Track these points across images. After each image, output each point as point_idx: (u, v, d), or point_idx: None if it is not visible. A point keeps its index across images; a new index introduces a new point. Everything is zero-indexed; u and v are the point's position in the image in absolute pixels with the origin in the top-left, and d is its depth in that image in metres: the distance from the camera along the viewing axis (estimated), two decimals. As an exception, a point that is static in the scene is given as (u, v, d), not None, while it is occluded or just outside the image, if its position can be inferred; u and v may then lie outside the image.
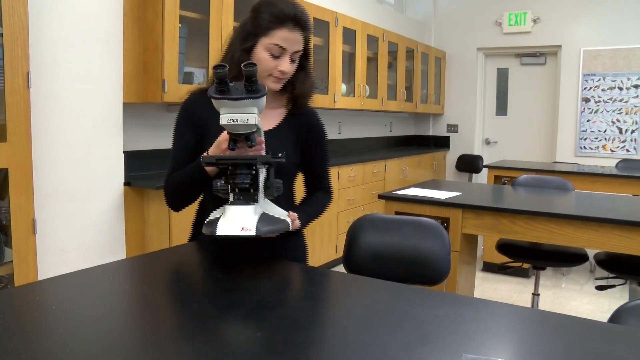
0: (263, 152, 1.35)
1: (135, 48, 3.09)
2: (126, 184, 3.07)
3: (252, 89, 1.22)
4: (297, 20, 1.44)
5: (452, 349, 0.90)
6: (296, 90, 1.56)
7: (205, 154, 1.38)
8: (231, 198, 1.29)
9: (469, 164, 6.77)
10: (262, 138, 1.35)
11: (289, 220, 1.40)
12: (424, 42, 6.64)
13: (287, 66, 1.46)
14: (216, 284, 1.26)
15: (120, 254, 3.03)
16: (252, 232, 1.23)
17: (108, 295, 1.17)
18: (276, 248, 1.52)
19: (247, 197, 1.29)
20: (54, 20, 2.64)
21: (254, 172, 1.28)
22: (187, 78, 3.35)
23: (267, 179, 1.34)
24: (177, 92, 3.15)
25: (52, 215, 2.68)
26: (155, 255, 1.58)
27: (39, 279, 2.43)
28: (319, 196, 1.67)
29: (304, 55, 1.53)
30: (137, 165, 3.30)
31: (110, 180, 2.99)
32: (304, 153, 1.60)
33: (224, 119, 1.23)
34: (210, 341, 0.91)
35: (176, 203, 1.55)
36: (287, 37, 1.43)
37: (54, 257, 2.68)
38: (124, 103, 3.03)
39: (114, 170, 3.01)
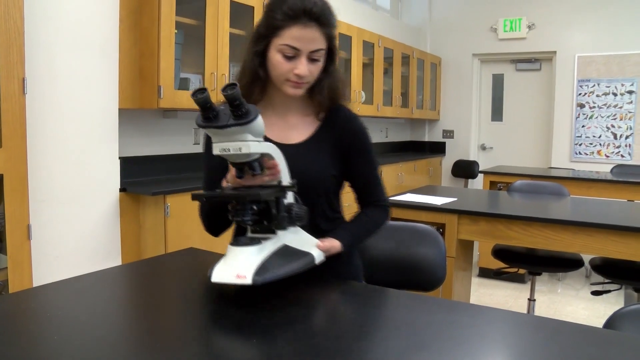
0: (282, 176, 1.20)
1: (131, 54, 3.09)
2: (122, 190, 3.07)
3: (238, 113, 1.06)
4: (311, 14, 1.26)
5: (449, 355, 0.90)
6: (316, 96, 1.38)
7: (223, 180, 1.25)
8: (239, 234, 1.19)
9: (464, 169, 6.78)
10: (276, 161, 1.18)
11: (315, 252, 1.25)
12: (419, 48, 6.67)
13: (303, 68, 1.28)
14: (212, 291, 1.26)
15: (115, 261, 3.02)
16: (247, 281, 1.06)
17: (103, 302, 1.16)
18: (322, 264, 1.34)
19: (263, 229, 1.17)
20: (50, 26, 2.63)
21: (260, 204, 1.15)
22: (183, 84, 3.35)
23: (276, 210, 1.17)
24: (173, 98, 3.15)
25: (48, 221, 2.67)
26: (151, 262, 1.58)
27: (34, 285, 2.42)
28: (369, 213, 1.46)
29: (329, 55, 1.35)
30: (133, 171, 3.30)
31: (106, 186, 2.98)
32: (346, 164, 1.42)
33: (216, 149, 1.11)
34: (207, 349, 0.91)
35: (209, 229, 1.45)
36: (299, 36, 1.26)
37: (49, 263, 2.67)
38: (119, 109, 3.03)
39: (110, 176, 3.00)
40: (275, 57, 1.30)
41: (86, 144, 2.86)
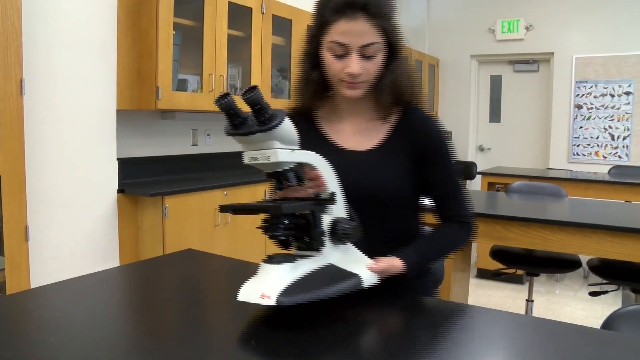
0: (331, 188, 1.09)
1: (129, 55, 3.08)
2: (120, 191, 3.06)
3: (261, 119, 0.98)
4: (356, 5, 1.13)
5: (447, 356, 0.90)
6: (379, 96, 1.25)
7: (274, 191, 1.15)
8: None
9: (462, 170, 6.78)
10: (318, 171, 1.08)
11: (365, 274, 1.10)
12: (417, 49, 6.67)
13: (354, 66, 1.16)
14: (211, 292, 1.26)
15: (113, 262, 3.01)
16: (270, 302, 0.97)
17: (101, 304, 1.16)
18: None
19: (305, 245, 1.08)
20: (47, 26, 2.63)
21: (297, 218, 1.06)
22: (181, 85, 3.35)
23: (313, 226, 1.07)
24: (171, 99, 3.15)
25: (45, 222, 2.67)
26: (149, 263, 1.58)
27: (32, 287, 2.42)
28: (446, 229, 1.30)
29: (390, 49, 1.21)
30: (131, 172, 3.30)
31: (104, 188, 2.98)
32: (421, 172, 1.28)
33: (245, 158, 1.03)
34: (207, 350, 0.91)
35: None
36: (346, 30, 1.15)
37: (46, 264, 2.66)
38: (117, 110, 3.03)
39: (108, 177, 3.00)
40: (326, 57, 1.20)
41: (84, 145, 2.85)
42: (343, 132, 1.31)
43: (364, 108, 1.29)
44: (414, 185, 1.27)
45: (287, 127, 1.00)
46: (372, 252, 1.16)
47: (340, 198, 1.11)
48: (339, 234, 1.06)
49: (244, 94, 0.96)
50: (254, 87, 0.96)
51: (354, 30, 1.14)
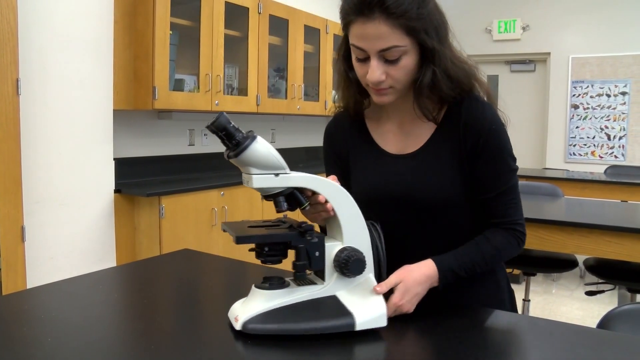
0: (340, 212, 1.00)
1: (125, 55, 3.08)
2: (116, 191, 3.06)
3: (230, 145, 0.94)
4: (369, 4, 0.99)
5: (442, 356, 0.90)
6: (419, 101, 1.11)
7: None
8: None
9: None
10: (323, 196, 0.99)
11: (360, 316, 0.96)
12: (414, 49, 6.67)
13: (373, 73, 1.04)
14: (208, 292, 1.26)
15: (110, 262, 3.01)
16: (236, 326, 0.95)
17: (98, 304, 1.16)
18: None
19: (300, 278, 1.03)
20: (44, 26, 2.63)
21: (288, 246, 1.00)
22: (177, 85, 3.35)
23: (296, 259, 1.00)
24: (168, 99, 3.14)
25: (42, 222, 2.66)
26: (145, 263, 1.57)
27: (28, 287, 2.41)
28: (489, 236, 1.14)
29: (422, 48, 1.05)
30: (128, 173, 3.29)
31: (101, 188, 2.97)
32: (471, 172, 1.14)
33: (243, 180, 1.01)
34: (203, 350, 0.91)
35: None
36: (362, 33, 1.02)
37: (43, 265, 2.66)
38: (114, 110, 3.02)
39: (104, 177, 2.99)
40: (353, 59, 1.10)
41: (81, 145, 2.85)
42: (388, 133, 1.22)
43: (409, 107, 1.14)
44: (463, 188, 1.14)
45: (257, 152, 0.93)
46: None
47: (354, 223, 1.01)
48: (339, 266, 0.98)
49: (208, 125, 0.92)
50: (220, 113, 0.92)
51: (370, 33, 1.01)
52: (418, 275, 1.06)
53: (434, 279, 1.08)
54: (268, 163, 0.94)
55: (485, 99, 1.17)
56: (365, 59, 1.06)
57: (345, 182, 1.21)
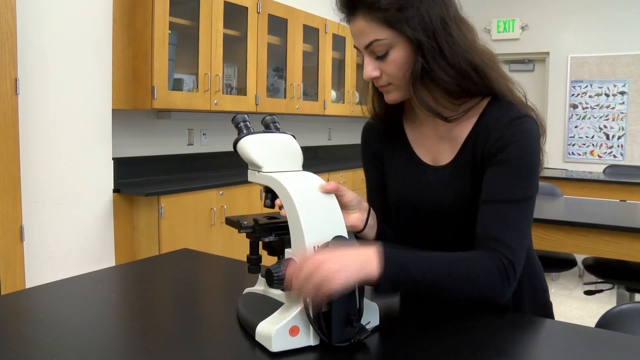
0: (290, 220, 0.91)
1: (124, 54, 3.08)
2: (115, 190, 3.06)
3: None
4: (348, 3, 1.02)
5: (441, 356, 0.90)
6: (412, 95, 1.05)
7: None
8: None
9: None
10: (279, 200, 0.95)
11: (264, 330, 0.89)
12: (413, 48, 6.68)
13: (365, 70, 1.05)
14: (207, 291, 1.26)
15: (109, 262, 3.01)
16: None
17: (97, 304, 1.16)
18: None
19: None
20: (42, 26, 2.62)
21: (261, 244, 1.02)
22: (176, 85, 3.35)
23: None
24: (167, 98, 3.14)
25: (41, 222, 2.66)
26: (144, 263, 1.57)
27: (27, 287, 2.41)
28: (472, 255, 0.99)
29: (418, 46, 1.00)
30: (127, 172, 3.29)
31: (100, 187, 2.97)
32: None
33: None
34: (202, 350, 0.91)
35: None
36: (352, 31, 1.05)
37: (42, 264, 2.66)
38: (113, 109, 3.02)
39: (103, 177, 2.99)
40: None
41: (79, 145, 2.85)
42: (423, 137, 1.17)
43: (417, 104, 1.09)
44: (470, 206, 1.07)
45: (241, 149, 1.02)
46: None
47: (295, 235, 0.92)
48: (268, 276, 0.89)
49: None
50: (237, 114, 1.05)
51: (355, 31, 1.03)
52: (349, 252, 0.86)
53: (371, 261, 0.87)
54: (250, 160, 1.01)
55: (510, 100, 1.07)
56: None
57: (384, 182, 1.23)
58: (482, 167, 1.05)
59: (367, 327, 0.93)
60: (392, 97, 1.08)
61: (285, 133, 1.07)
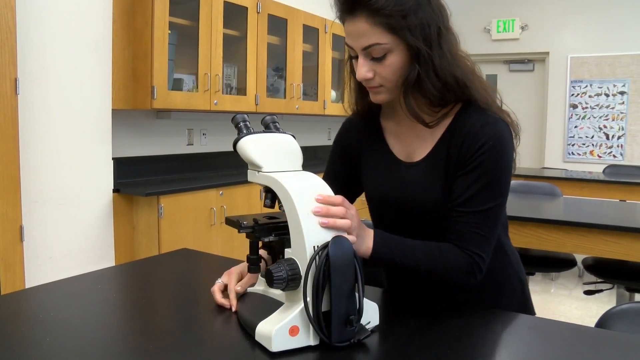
0: (289, 219, 0.94)
1: (124, 54, 3.08)
2: (115, 190, 3.06)
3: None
4: (351, 3, 1.02)
5: (441, 356, 0.90)
6: (403, 100, 1.09)
7: None
8: None
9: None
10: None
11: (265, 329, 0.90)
12: (413, 48, 6.67)
13: (359, 70, 1.06)
14: (206, 291, 1.26)
15: (109, 261, 3.01)
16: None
17: (96, 304, 1.16)
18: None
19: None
20: (42, 26, 2.62)
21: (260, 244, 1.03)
22: (176, 84, 3.35)
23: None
24: (167, 98, 3.14)
25: (40, 222, 2.66)
26: (144, 263, 1.57)
27: (26, 287, 2.41)
28: (445, 246, 1.09)
29: (414, 50, 1.03)
30: (126, 172, 3.29)
31: (99, 187, 2.97)
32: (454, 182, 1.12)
33: None
34: (202, 349, 0.91)
35: None
36: (348, 31, 1.05)
37: (41, 264, 2.66)
38: (113, 109, 3.02)
39: (103, 177, 2.99)
40: (352, 60, 1.11)
41: (79, 145, 2.85)
42: (400, 135, 1.21)
43: (405, 110, 1.12)
44: (439, 203, 1.13)
45: (241, 150, 1.03)
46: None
47: (295, 237, 0.93)
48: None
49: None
50: (236, 114, 1.07)
51: (354, 31, 1.03)
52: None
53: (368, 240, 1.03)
54: (249, 160, 1.02)
55: (485, 106, 1.11)
56: (356, 57, 1.07)
57: (346, 179, 1.28)
58: (455, 169, 1.10)
59: (367, 327, 0.93)
60: (380, 97, 1.11)
61: (285, 133, 1.07)
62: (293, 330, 0.88)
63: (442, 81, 1.05)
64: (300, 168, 1.05)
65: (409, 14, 1.00)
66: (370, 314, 0.96)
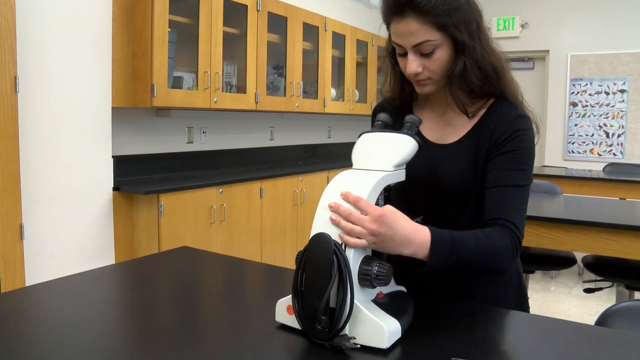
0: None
1: (124, 52, 3.08)
2: (115, 188, 3.06)
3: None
4: (401, 4, 1.09)
5: (440, 352, 0.90)
6: (451, 92, 1.19)
7: None
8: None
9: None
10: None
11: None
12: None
13: (410, 66, 1.14)
14: (206, 289, 1.26)
15: (109, 260, 3.01)
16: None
17: (96, 302, 1.16)
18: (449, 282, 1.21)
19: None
20: (42, 24, 2.62)
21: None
22: (176, 83, 3.34)
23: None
24: (167, 96, 3.14)
25: (40, 220, 2.66)
26: (144, 261, 1.57)
27: (26, 285, 2.41)
28: (487, 230, 1.10)
29: (454, 41, 1.13)
30: (126, 170, 3.29)
31: (99, 185, 2.97)
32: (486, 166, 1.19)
33: None
34: (201, 348, 0.91)
35: None
36: (397, 31, 1.12)
37: (41, 262, 2.66)
38: (112, 108, 3.02)
39: (103, 175, 2.99)
40: (397, 55, 1.19)
41: (79, 143, 2.85)
42: (430, 121, 1.28)
43: (451, 100, 1.21)
44: (468, 187, 1.20)
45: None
46: None
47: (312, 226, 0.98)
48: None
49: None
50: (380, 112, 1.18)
51: (404, 31, 1.11)
52: (407, 224, 1.00)
53: (423, 243, 1.01)
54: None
55: (515, 102, 1.22)
56: (404, 54, 1.15)
57: None
58: (487, 155, 1.18)
59: (352, 341, 0.88)
60: (426, 89, 1.19)
61: (404, 134, 1.09)
62: (289, 309, 0.96)
63: (482, 72, 1.17)
64: (391, 168, 1.04)
65: (453, 12, 1.10)
66: (373, 334, 0.89)
